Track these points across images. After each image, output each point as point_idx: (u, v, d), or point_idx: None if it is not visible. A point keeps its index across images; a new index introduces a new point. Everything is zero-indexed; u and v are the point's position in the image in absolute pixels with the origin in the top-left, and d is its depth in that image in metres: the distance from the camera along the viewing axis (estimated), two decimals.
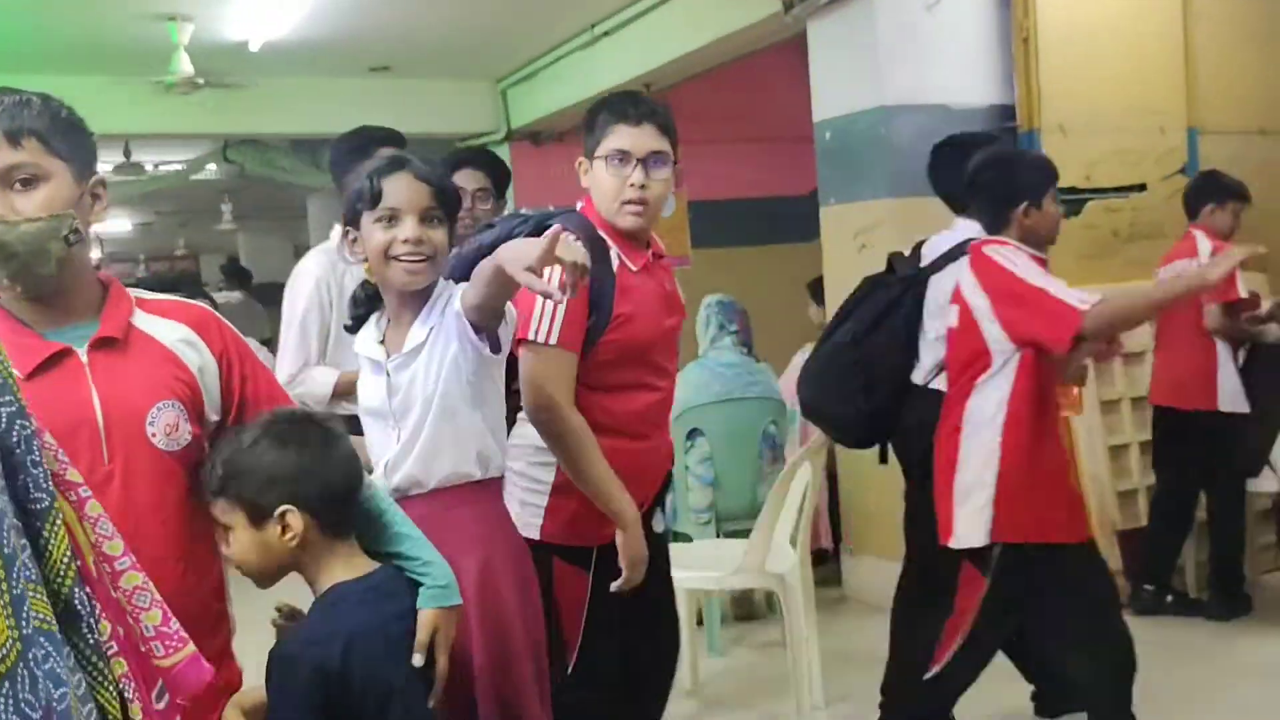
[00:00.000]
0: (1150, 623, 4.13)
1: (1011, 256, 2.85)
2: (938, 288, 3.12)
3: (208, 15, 5.85)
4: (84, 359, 1.69)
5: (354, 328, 2.20)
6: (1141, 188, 4.91)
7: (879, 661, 3.26)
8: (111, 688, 1.06)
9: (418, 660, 1.75)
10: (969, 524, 2.85)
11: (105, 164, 8.82)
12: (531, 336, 2.27)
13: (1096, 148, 4.78)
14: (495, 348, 2.02)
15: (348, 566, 1.75)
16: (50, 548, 1.03)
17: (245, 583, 1.80)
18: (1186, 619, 4.31)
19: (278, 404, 1.85)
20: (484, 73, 7.86)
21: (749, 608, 4.70)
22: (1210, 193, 4.40)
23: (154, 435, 1.70)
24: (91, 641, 1.05)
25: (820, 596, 3.88)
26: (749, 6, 5.27)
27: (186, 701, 1.23)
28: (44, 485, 1.03)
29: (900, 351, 3.16)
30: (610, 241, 2.38)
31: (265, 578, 1.75)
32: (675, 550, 3.10)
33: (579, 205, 2.47)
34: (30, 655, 0.94)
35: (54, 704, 0.95)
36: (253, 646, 1.84)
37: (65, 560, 1.04)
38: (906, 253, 3.35)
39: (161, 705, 1.17)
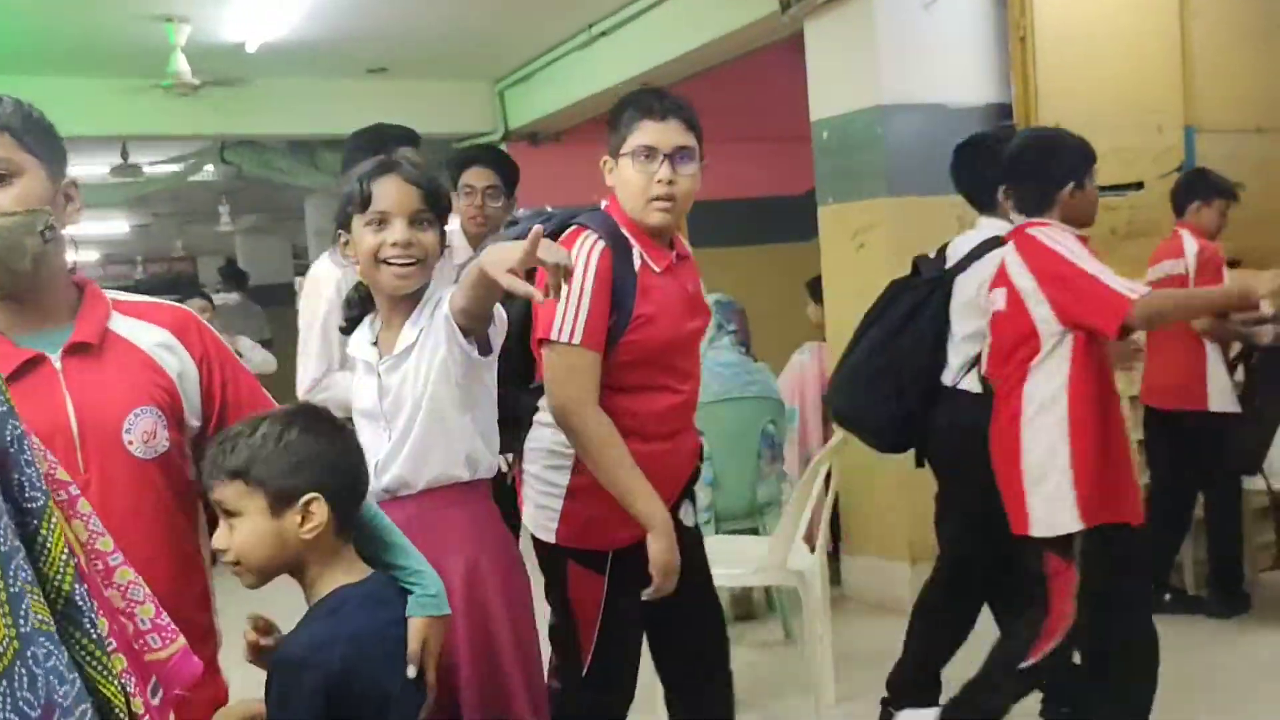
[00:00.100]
0: None
1: (1058, 238, 2.81)
2: (964, 288, 3.11)
3: (205, 16, 5.85)
4: (57, 366, 1.65)
5: (349, 329, 2.20)
6: (1139, 186, 4.91)
7: (881, 660, 3.26)
8: (116, 682, 1.06)
9: (413, 671, 1.73)
10: (1050, 509, 2.77)
11: (102, 165, 8.82)
12: (554, 336, 2.24)
13: (1094, 146, 4.76)
14: (485, 350, 2.02)
15: (349, 570, 1.72)
16: (49, 545, 1.03)
17: (227, 595, 1.76)
18: (1186, 617, 4.31)
19: (260, 407, 1.80)
20: (481, 73, 7.86)
21: (748, 607, 4.70)
22: (1196, 190, 4.40)
23: (130, 443, 1.67)
24: (95, 636, 1.05)
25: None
26: (746, 6, 5.27)
27: (186, 691, 1.23)
28: (38, 484, 1.03)
29: (928, 353, 3.15)
30: (633, 241, 2.34)
31: (265, 573, 1.67)
32: None
33: (604, 204, 2.43)
34: (30, 653, 0.93)
35: (56, 700, 0.95)
36: (239, 659, 1.79)
37: (64, 557, 1.04)
38: (904, 253, 3.36)
39: (156, 700, 1.17)
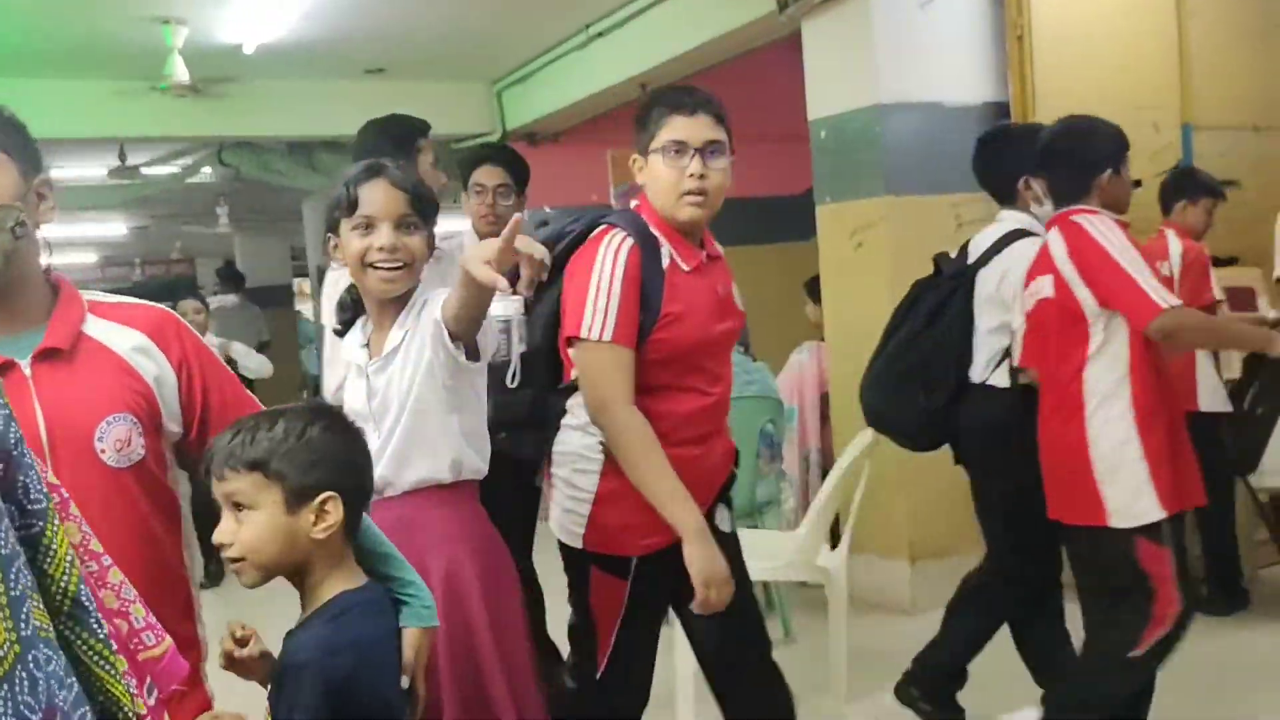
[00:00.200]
0: None
1: (1103, 229, 2.77)
2: (985, 282, 3.11)
3: (202, 18, 5.85)
4: (27, 373, 1.61)
5: (342, 332, 2.21)
6: (1136, 184, 4.89)
7: (881, 659, 3.26)
8: (123, 681, 1.07)
9: (407, 682, 1.72)
10: (1129, 500, 2.72)
11: (100, 167, 8.82)
12: (584, 334, 2.20)
13: None
14: (473, 356, 2.02)
15: (350, 576, 1.69)
16: (55, 546, 1.03)
17: (209, 608, 1.74)
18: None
19: (246, 411, 1.73)
20: (479, 74, 7.85)
21: None
22: (1183, 189, 4.38)
23: (103, 451, 1.63)
24: (102, 636, 1.05)
25: (822, 596, 3.87)
26: (743, 6, 5.27)
27: (183, 686, 1.23)
28: (40, 486, 1.03)
29: (954, 351, 3.15)
30: (663, 239, 2.31)
31: (269, 571, 1.62)
32: None
33: (633, 203, 2.41)
34: (30, 657, 0.93)
35: (57, 704, 0.95)
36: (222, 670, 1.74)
37: (69, 559, 1.04)
38: (903, 252, 3.36)
39: (152, 700, 1.17)
